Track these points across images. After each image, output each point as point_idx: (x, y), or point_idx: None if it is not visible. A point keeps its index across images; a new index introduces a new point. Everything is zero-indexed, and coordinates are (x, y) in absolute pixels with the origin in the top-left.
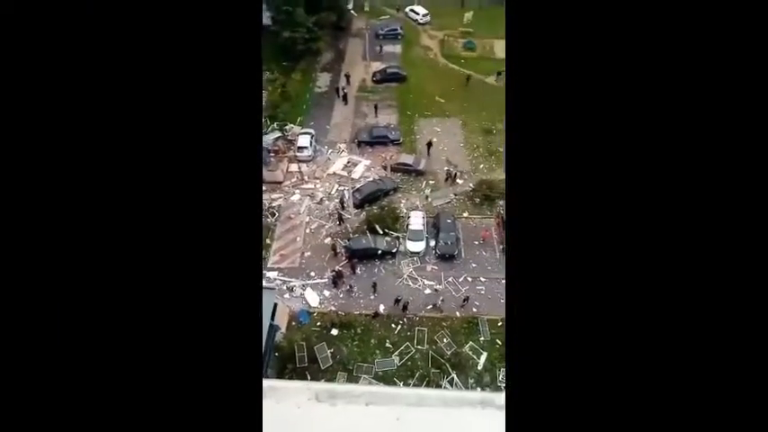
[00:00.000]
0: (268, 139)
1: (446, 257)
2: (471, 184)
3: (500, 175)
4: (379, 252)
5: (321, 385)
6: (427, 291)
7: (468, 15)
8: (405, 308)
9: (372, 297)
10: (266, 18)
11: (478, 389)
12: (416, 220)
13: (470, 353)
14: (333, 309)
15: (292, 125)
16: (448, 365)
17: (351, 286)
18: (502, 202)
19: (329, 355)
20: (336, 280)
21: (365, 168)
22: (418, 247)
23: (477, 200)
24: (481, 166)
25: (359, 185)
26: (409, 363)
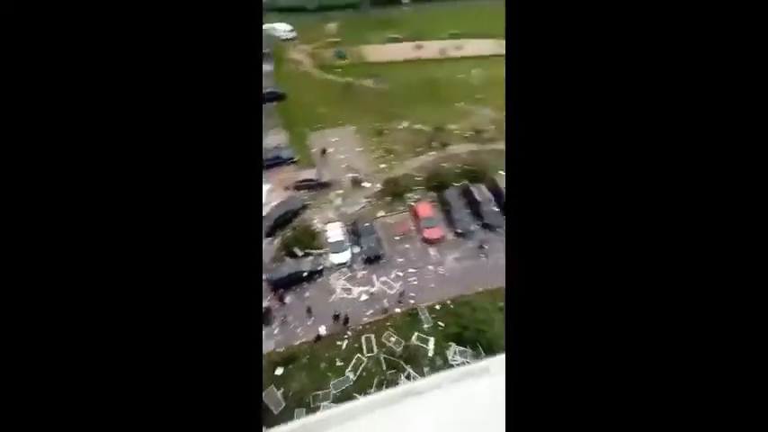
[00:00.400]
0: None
1: (372, 259)
2: (378, 185)
3: (402, 170)
4: (305, 274)
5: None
6: (363, 297)
7: (332, 26)
8: (346, 321)
9: (310, 322)
10: None
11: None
12: (335, 232)
13: (418, 343)
14: (271, 348)
15: None
16: (401, 362)
17: (284, 318)
18: (410, 195)
19: (280, 397)
20: (265, 318)
21: (267, 193)
22: (343, 257)
23: (388, 198)
24: (382, 165)
25: (266, 212)
26: (364, 373)
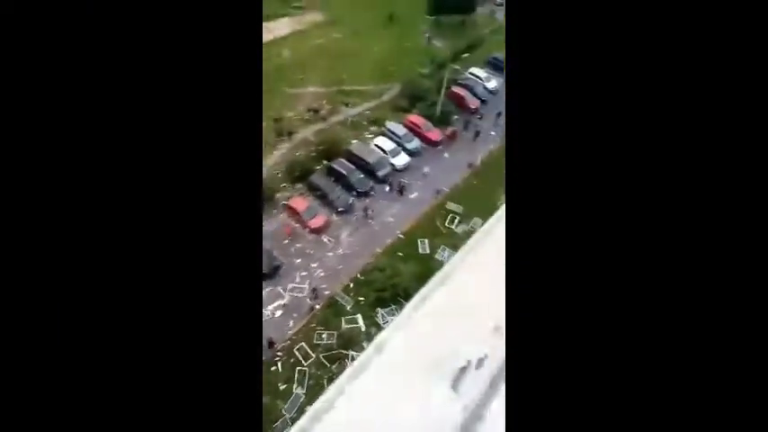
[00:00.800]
0: None
1: (272, 273)
2: None
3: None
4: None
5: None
6: (278, 313)
7: None
8: (271, 345)
9: None
10: None
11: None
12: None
13: (349, 325)
14: None
15: None
16: (342, 351)
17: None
18: (278, 195)
19: None
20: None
21: None
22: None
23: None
24: None
25: None
26: (311, 381)
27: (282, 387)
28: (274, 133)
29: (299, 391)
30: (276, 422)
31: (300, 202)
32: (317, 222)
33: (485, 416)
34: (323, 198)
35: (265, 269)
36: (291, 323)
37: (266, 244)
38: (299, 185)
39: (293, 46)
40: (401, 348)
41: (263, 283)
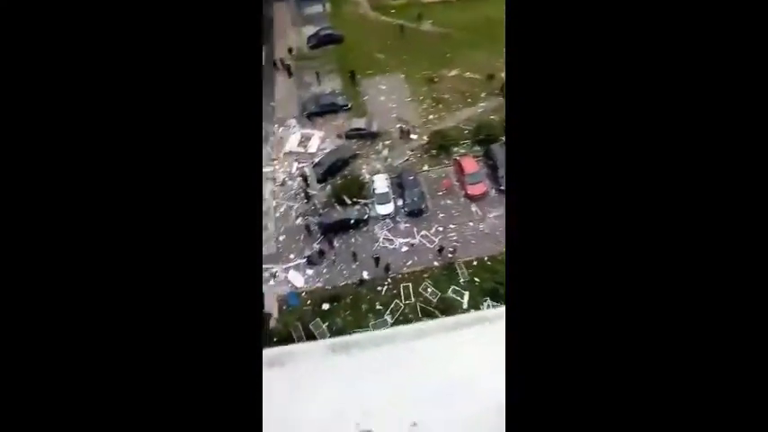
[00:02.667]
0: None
1: (415, 213)
2: (425, 137)
3: (449, 122)
4: (352, 222)
5: (333, 340)
6: (404, 248)
7: None
8: (387, 269)
9: (354, 266)
10: None
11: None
12: (381, 183)
13: (454, 296)
14: (319, 285)
15: None
16: (437, 312)
17: (333, 259)
18: (456, 149)
19: (325, 329)
20: (319, 257)
21: (320, 140)
22: (387, 209)
23: (434, 152)
24: (431, 116)
25: (318, 159)
26: (401, 318)
27: (378, 307)
28: (480, 89)
29: (388, 318)
30: (360, 328)
31: (471, 164)
32: (475, 190)
33: None
34: (492, 170)
35: (413, 207)
36: (410, 263)
37: (423, 186)
38: (478, 148)
39: None
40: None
41: (405, 217)
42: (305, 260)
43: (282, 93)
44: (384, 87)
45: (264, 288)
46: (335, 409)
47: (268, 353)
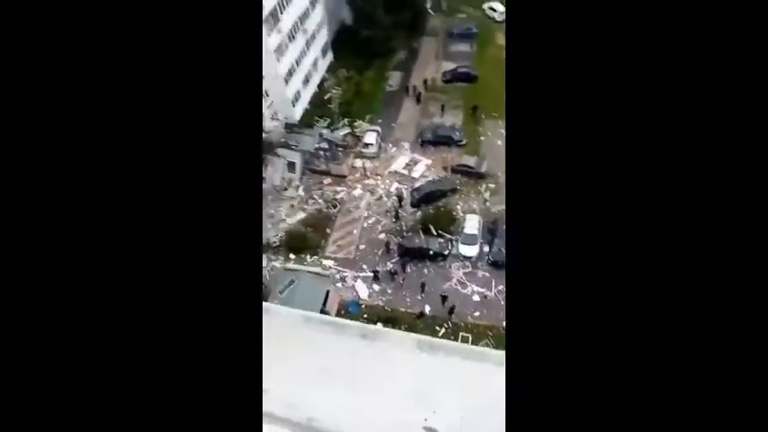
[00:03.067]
0: (338, 134)
1: (498, 265)
2: None
3: None
4: (431, 253)
5: (422, 337)
6: (475, 297)
7: None
8: (451, 311)
9: (420, 297)
10: (348, 18)
11: None
12: (472, 224)
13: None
14: (380, 303)
15: (361, 122)
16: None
17: (401, 283)
18: None
19: None
20: (390, 276)
21: (426, 168)
22: (471, 251)
23: None
24: None
25: (418, 184)
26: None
27: None
28: None
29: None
30: None
31: None
32: None
33: None
34: None
35: (498, 258)
36: (477, 314)
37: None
38: None
39: None
40: None
41: (487, 266)
42: (373, 274)
43: (406, 117)
44: (504, 132)
45: (331, 288)
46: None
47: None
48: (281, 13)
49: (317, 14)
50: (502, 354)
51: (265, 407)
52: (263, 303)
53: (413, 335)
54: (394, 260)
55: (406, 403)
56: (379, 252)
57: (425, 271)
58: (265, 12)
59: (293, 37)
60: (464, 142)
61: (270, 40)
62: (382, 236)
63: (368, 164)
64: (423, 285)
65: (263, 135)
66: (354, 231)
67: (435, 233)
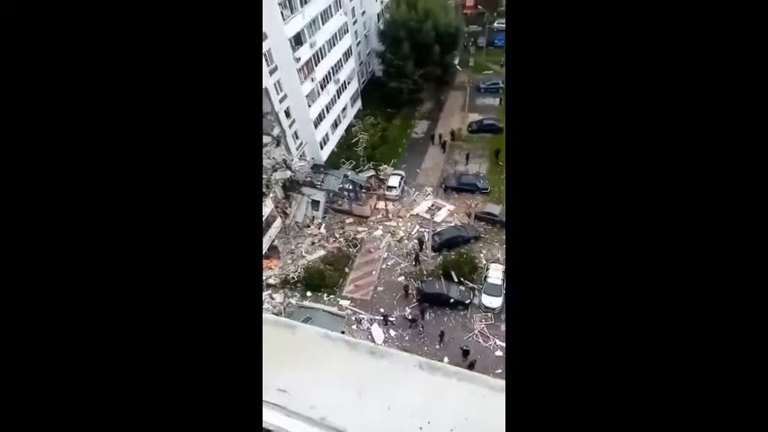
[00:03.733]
0: (362, 176)
1: None
2: None
3: None
4: (452, 300)
5: (423, 359)
6: (498, 352)
7: None
8: (471, 366)
9: (438, 346)
10: (378, 70)
11: None
12: (496, 274)
13: None
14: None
15: (386, 166)
16: None
17: (421, 330)
18: None
19: None
20: (408, 323)
21: (448, 213)
22: (495, 302)
23: None
24: None
25: (440, 229)
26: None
27: None
28: None
29: None
30: None
31: None
32: None
33: None
34: None
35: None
36: (499, 370)
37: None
38: None
39: None
40: None
41: None
42: (383, 318)
43: (430, 163)
44: None
45: (346, 330)
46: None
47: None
48: (316, 65)
49: (349, 66)
50: (500, 381)
51: (290, 406)
52: (289, 321)
53: (416, 356)
54: (412, 305)
55: (404, 412)
56: (397, 296)
57: (446, 320)
58: (301, 62)
59: (325, 85)
60: (489, 190)
61: (303, 87)
62: (401, 279)
63: (390, 206)
64: (442, 334)
65: (290, 174)
66: (373, 272)
67: (457, 280)
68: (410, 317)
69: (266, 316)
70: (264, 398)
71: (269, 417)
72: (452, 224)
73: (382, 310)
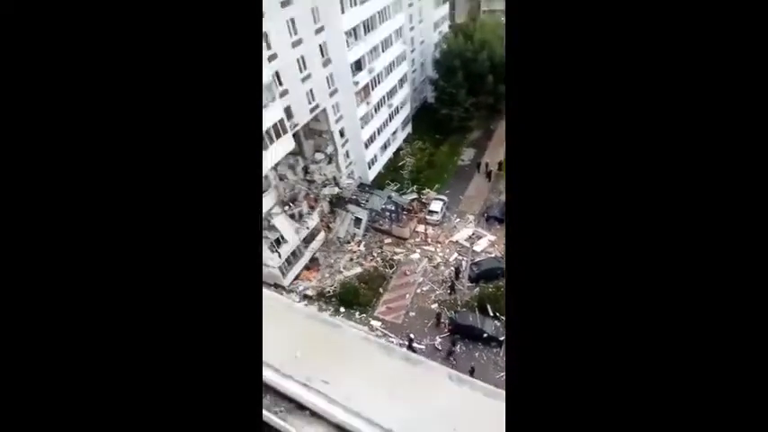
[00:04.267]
0: (405, 198)
1: None
2: None
3: None
4: (485, 335)
5: (453, 371)
6: None
7: None
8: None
9: None
10: (431, 96)
11: None
12: None
13: None
14: None
15: (429, 190)
16: None
17: (453, 363)
18: None
19: None
20: (437, 352)
21: (489, 243)
22: None
23: None
24: None
25: (479, 259)
26: None
27: None
28: None
29: None
30: None
31: None
32: None
33: None
34: None
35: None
36: None
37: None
38: None
39: None
40: None
41: None
42: (420, 347)
43: (474, 192)
44: None
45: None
46: None
47: None
48: (372, 89)
49: (404, 92)
50: None
51: (331, 394)
52: (335, 319)
53: (447, 368)
54: (443, 335)
55: (431, 417)
56: (429, 323)
57: (478, 355)
58: (359, 87)
59: (379, 109)
60: None
61: (359, 110)
62: (434, 306)
63: (430, 230)
64: (472, 370)
65: (338, 191)
66: (407, 296)
67: (492, 314)
68: (439, 347)
69: (318, 313)
70: (310, 385)
71: (313, 401)
72: (492, 255)
73: (412, 335)
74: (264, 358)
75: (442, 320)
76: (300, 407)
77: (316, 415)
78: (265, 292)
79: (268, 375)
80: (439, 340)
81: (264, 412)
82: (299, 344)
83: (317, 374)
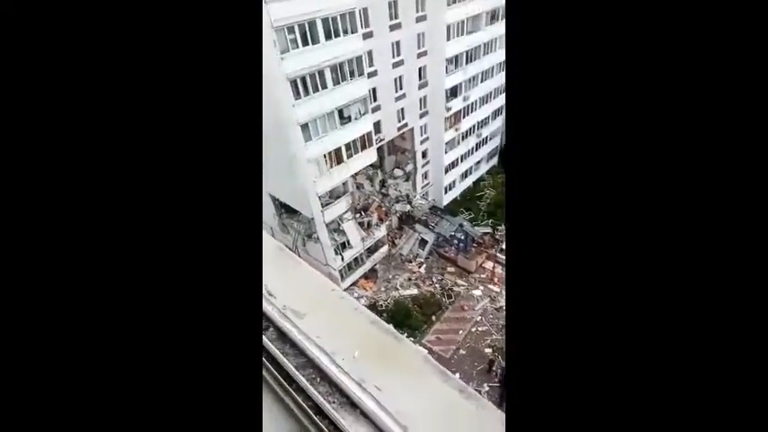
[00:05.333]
0: (478, 230)
1: None
2: None
3: None
4: None
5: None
6: None
7: None
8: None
9: None
10: None
11: None
12: None
13: None
14: None
15: (505, 227)
16: None
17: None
18: None
19: None
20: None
21: None
22: None
23: None
24: None
25: None
26: None
27: None
28: None
29: None
30: None
31: None
32: None
33: None
34: None
35: None
36: None
37: None
38: None
39: None
40: None
41: None
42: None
43: None
44: None
45: None
46: None
47: None
48: (463, 117)
49: (496, 124)
50: None
51: (382, 402)
52: (397, 332)
53: (501, 411)
54: (492, 383)
55: None
56: (479, 367)
57: None
58: (450, 113)
59: (467, 137)
60: None
61: (446, 135)
62: (488, 351)
63: (498, 269)
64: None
65: (409, 208)
66: (460, 331)
67: None
68: (485, 396)
69: (381, 321)
70: (365, 387)
71: (366, 404)
72: None
73: (458, 375)
74: (327, 349)
75: (494, 368)
76: (352, 404)
77: (365, 416)
78: (337, 291)
79: (326, 364)
80: (487, 388)
81: (320, 399)
82: (358, 344)
83: (372, 379)
